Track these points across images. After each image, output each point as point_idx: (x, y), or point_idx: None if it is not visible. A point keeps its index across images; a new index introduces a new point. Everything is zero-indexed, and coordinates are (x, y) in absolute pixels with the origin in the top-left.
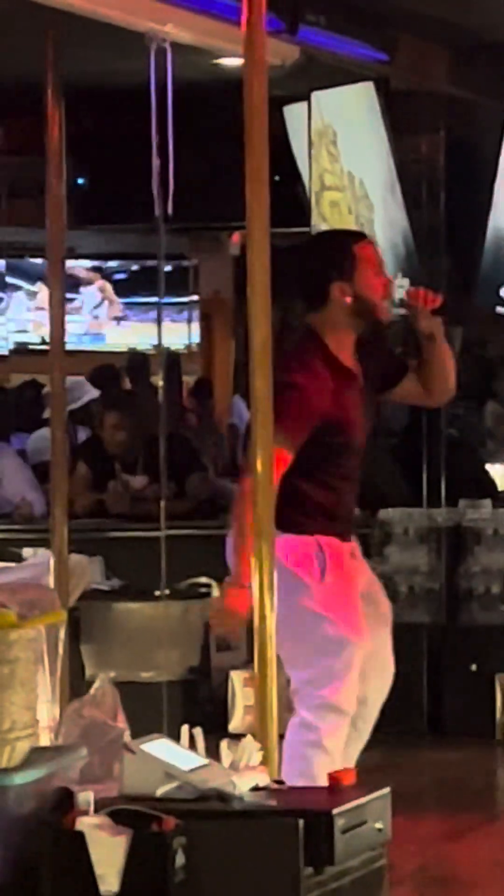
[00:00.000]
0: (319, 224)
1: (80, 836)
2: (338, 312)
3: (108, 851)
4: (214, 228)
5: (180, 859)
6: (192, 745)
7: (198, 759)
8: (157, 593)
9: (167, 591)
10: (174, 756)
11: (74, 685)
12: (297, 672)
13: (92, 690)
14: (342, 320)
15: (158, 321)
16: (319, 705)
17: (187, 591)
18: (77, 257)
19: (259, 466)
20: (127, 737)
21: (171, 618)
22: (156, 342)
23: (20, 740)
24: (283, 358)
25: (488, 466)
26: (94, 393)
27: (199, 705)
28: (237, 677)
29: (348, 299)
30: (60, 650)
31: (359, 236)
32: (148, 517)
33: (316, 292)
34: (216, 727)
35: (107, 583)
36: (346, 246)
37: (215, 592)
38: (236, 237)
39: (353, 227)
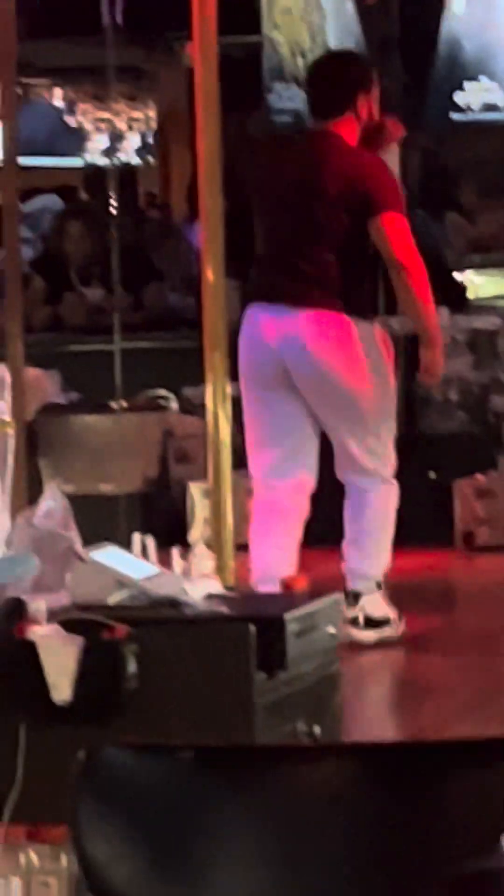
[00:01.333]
0: (271, 32)
1: (32, 646)
2: (355, 125)
3: (59, 660)
4: (166, 39)
5: (132, 667)
6: (144, 553)
7: (150, 568)
8: (114, 406)
9: (124, 404)
10: (126, 564)
11: (33, 500)
12: (383, 447)
13: (42, 500)
14: (355, 134)
15: (112, 136)
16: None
17: (145, 404)
18: (30, 70)
19: (210, 277)
20: (78, 546)
21: (128, 430)
22: None
23: None
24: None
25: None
26: (50, 200)
27: (158, 517)
28: (196, 489)
29: (366, 113)
30: (10, 460)
31: None
32: (104, 330)
33: (340, 99)
34: (175, 541)
35: (64, 396)
36: (370, 66)
37: (173, 405)
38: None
39: (305, 34)
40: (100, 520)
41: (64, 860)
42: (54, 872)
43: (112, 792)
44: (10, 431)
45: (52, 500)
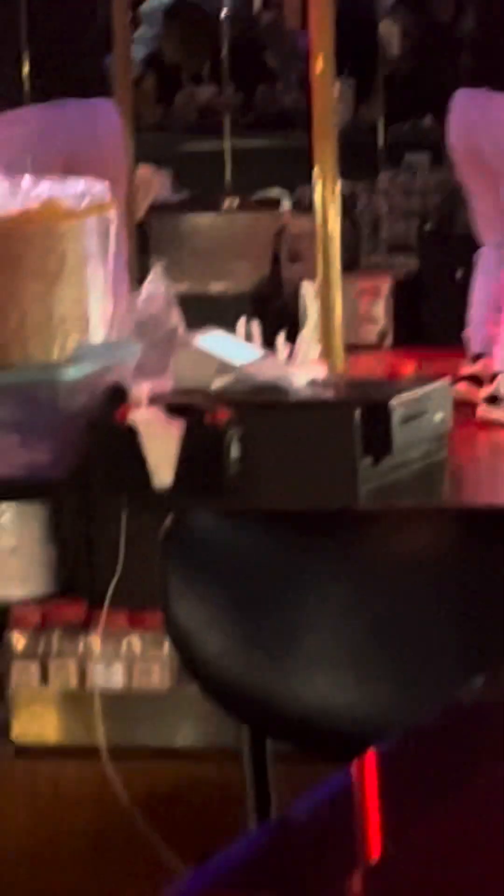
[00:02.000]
0: None
1: (133, 430)
2: None
3: (161, 445)
4: None
5: (235, 451)
6: (249, 337)
7: (254, 352)
8: (226, 204)
9: (236, 203)
10: (230, 349)
11: None
12: None
13: (145, 286)
14: None
15: None
16: None
17: (257, 203)
18: None
19: (319, 69)
20: (181, 330)
21: (240, 229)
22: None
23: (71, 334)
24: None
25: None
26: None
27: (270, 318)
28: (308, 288)
29: None
30: (111, 245)
31: None
32: (215, 129)
33: None
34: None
35: (175, 195)
36: None
37: (285, 204)
38: None
39: None
40: (211, 321)
41: (166, 647)
42: (156, 659)
43: (202, 558)
44: (112, 214)
45: (156, 285)
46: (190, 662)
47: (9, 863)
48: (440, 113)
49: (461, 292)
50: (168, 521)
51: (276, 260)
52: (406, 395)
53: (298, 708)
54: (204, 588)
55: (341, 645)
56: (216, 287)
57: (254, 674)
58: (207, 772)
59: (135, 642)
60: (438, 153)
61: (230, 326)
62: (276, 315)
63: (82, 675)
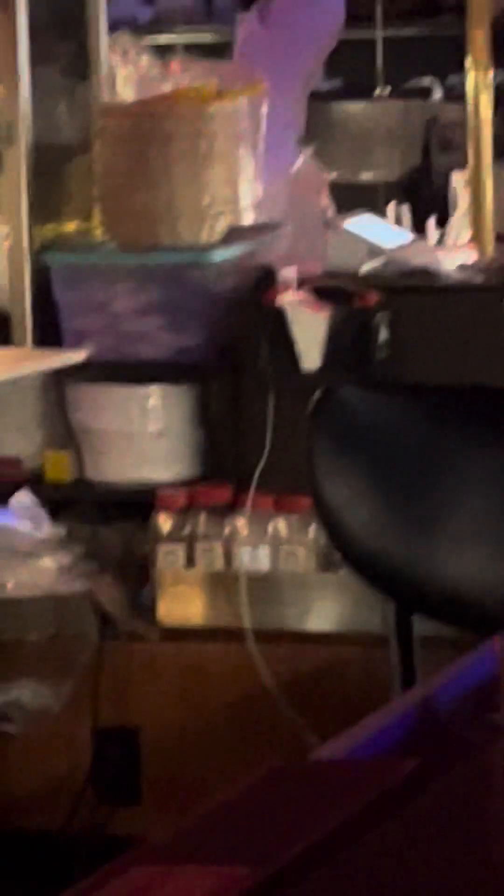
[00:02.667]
0: None
1: (282, 313)
2: None
3: (309, 328)
4: None
5: (384, 335)
6: (399, 221)
7: (404, 236)
8: (377, 92)
9: (387, 91)
10: (380, 233)
11: None
12: None
13: (295, 167)
14: None
15: None
16: None
17: (409, 91)
18: None
19: None
20: (331, 213)
21: (391, 117)
22: None
23: (220, 216)
24: None
25: None
26: None
27: (419, 206)
28: (459, 177)
29: None
30: (262, 127)
31: None
32: (366, 18)
33: None
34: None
35: (327, 83)
36: None
37: (437, 92)
38: None
39: None
40: (360, 209)
41: (312, 530)
42: (302, 542)
43: (350, 433)
44: (263, 96)
45: (306, 169)
46: (337, 538)
47: (156, 741)
48: None
49: None
50: (316, 395)
51: (426, 149)
52: None
53: (444, 583)
54: (351, 463)
55: (488, 520)
56: (366, 175)
57: (400, 548)
58: (351, 656)
59: (281, 525)
60: None
61: (380, 215)
62: (426, 204)
63: (228, 557)
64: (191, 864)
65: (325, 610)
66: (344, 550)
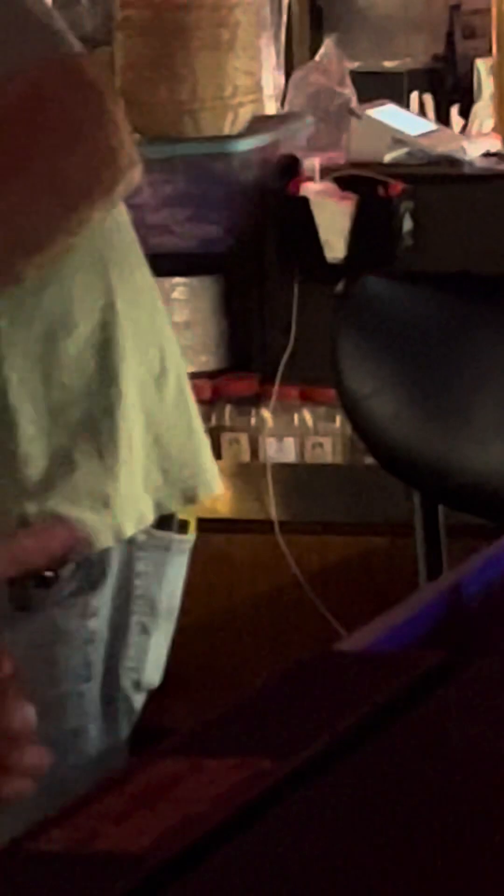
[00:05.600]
0: None
1: (306, 202)
2: None
3: (333, 217)
4: None
5: (408, 224)
6: (422, 111)
7: (428, 125)
8: None
9: None
10: (404, 121)
11: None
12: None
13: (317, 57)
14: None
15: None
16: None
17: None
18: None
19: None
20: (354, 103)
21: (414, 4)
22: None
23: (243, 106)
24: None
25: None
26: None
27: (443, 94)
28: (483, 65)
29: None
30: (284, 16)
31: None
32: None
33: None
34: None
35: None
36: None
37: None
38: None
39: None
40: (383, 97)
41: (338, 421)
42: (328, 433)
43: (374, 322)
44: None
45: (329, 58)
46: (362, 429)
47: (184, 631)
48: None
49: None
50: (340, 285)
51: (450, 36)
52: None
53: (470, 473)
54: (376, 353)
55: None
56: (389, 64)
57: (425, 438)
58: (378, 546)
59: (307, 416)
60: None
61: (403, 104)
62: (450, 92)
63: (254, 449)
64: (216, 757)
65: (352, 500)
66: (369, 441)
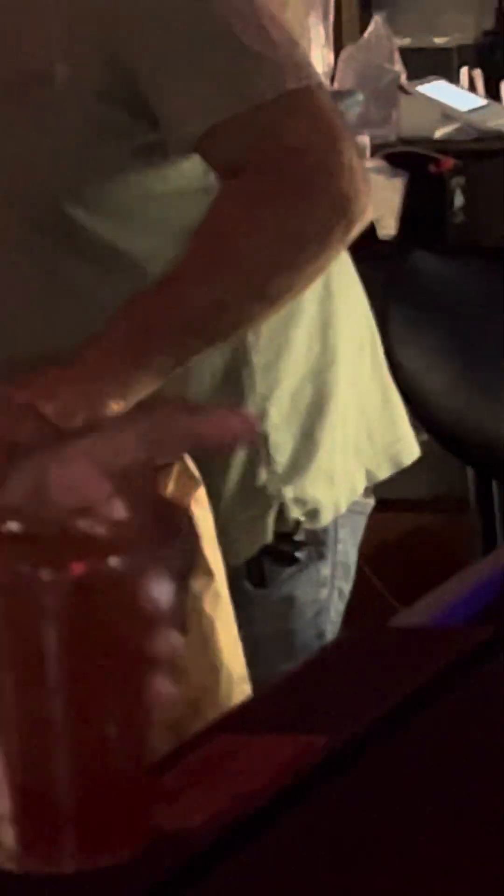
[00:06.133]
0: None
1: None
2: None
3: (385, 195)
4: None
5: (459, 200)
6: (472, 86)
7: (478, 100)
8: None
9: None
10: (453, 98)
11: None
12: None
13: (366, 34)
14: None
15: None
16: None
17: None
18: None
19: None
20: (404, 79)
21: None
22: None
23: None
24: None
25: None
26: None
27: (493, 70)
28: None
29: None
30: None
31: None
32: None
33: None
34: None
35: None
36: None
37: None
38: None
39: None
40: (433, 74)
41: None
42: None
43: (426, 299)
44: None
45: (378, 35)
46: (415, 405)
47: None
48: None
49: None
50: (392, 262)
51: (500, 12)
52: None
53: None
54: (427, 329)
55: None
56: (438, 40)
57: (478, 414)
58: (433, 522)
59: None
60: None
61: (452, 80)
62: (500, 67)
63: None
64: (268, 733)
65: (407, 476)
66: (422, 417)
